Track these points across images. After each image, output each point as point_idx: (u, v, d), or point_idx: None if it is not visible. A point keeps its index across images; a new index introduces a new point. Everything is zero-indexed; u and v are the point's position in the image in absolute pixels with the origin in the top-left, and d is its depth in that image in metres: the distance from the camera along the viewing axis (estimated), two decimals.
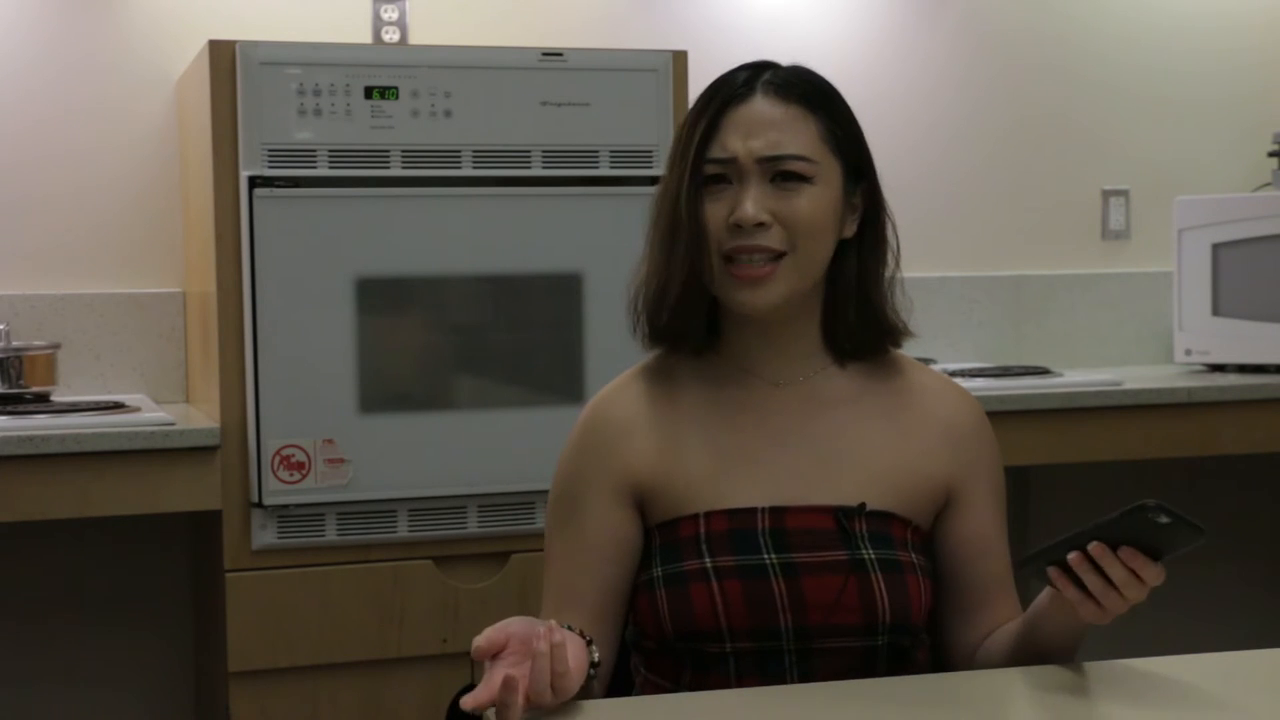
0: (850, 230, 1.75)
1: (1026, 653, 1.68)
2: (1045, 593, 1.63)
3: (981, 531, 1.77)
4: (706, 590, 1.66)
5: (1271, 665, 1.73)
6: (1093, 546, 1.47)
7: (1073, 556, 1.49)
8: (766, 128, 1.69)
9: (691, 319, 1.73)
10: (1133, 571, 1.49)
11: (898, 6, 3.80)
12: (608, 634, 1.72)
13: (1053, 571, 1.51)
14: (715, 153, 1.69)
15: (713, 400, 1.76)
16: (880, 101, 3.74)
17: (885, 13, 3.78)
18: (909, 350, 1.86)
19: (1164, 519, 1.43)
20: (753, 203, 1.67)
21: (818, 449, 1.74)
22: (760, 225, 1.67)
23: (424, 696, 2.88)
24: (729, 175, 1.69)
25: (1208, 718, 1.53)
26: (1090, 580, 1.50)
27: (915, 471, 1.75)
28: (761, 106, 1.70)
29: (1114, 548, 1.48)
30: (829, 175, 1.71)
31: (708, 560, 1.67)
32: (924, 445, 1.76)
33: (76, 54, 3.25)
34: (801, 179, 1.69)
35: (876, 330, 1.78)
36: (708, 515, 1.70)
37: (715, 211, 1.69)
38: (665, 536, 1.71)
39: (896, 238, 1.78)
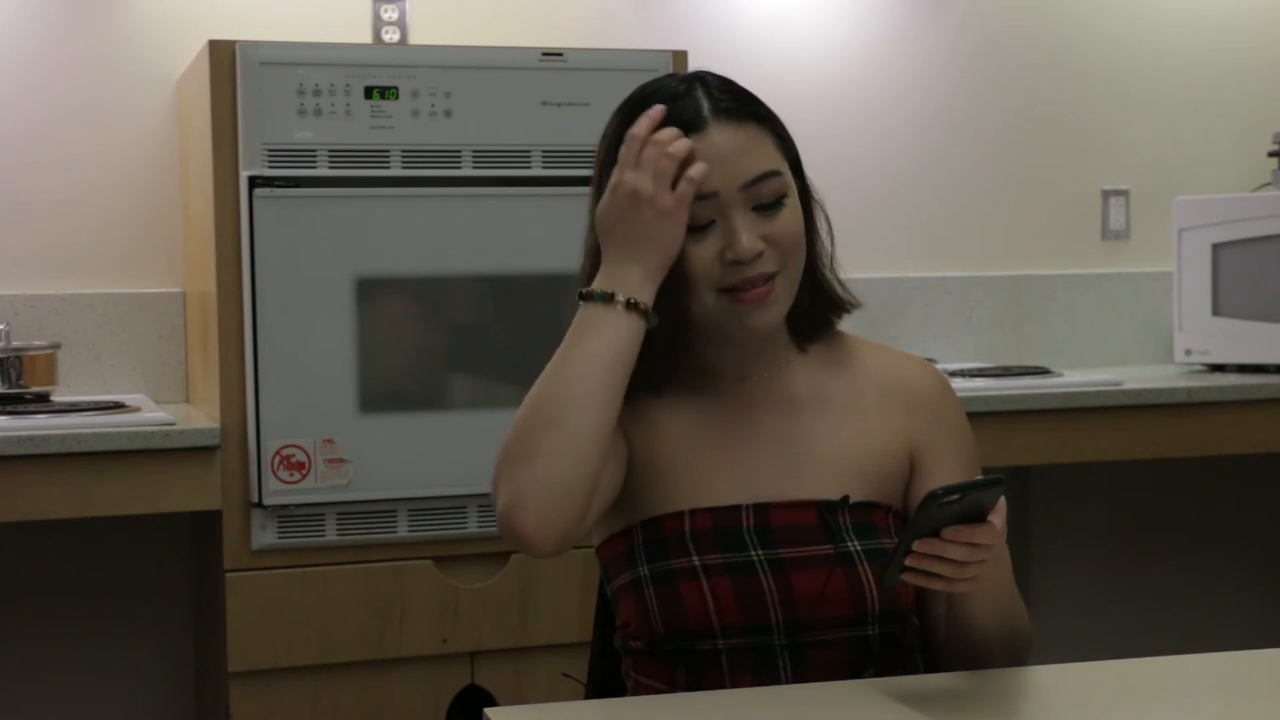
0: None
1: (961, 624, 1.68)
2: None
3: None
4: (696, 588, 1.66)
5: (1271, 665, 1.73)
6: (918, 545, 1.50)
7: (909, 560, 1.52)
8: (737, 156, 1.65)
9: (676, 358, 1.72)
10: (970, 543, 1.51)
11: (897, 6, 3.79)
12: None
13: (908, 576, 1.54)
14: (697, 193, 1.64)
15: (681, 398, 1.75)
16: (880, 101, 3.74)
17: (885, 13, 3.78)
18: (906, 343, 1.86)
19: (954, 497, 1.46)
20: (747, 235, 1.64)
21: (788, 447, 1.74)
22: (758, 256, 1.65)
23: (424, 696, 2.88)
24: (710, 214, 1.65)
25: (1208, 718, 1.54)
26: (941, 569, 1.52)
27: (884, 453, 1.76)
28: (722, 136, 1.66)
29: (938, 535, 1.51)
30: (790, 183, 1.70)
31: (695, 558, 1.67)
32: (887, 423, 1.77)
33: (76, 54, 3.25)
34: (779, 199, 1.67)
35: (828, 308, 1.78)
36: (692, 513, 1.70)
37: (703, 252, 1.65)
38: (649, 534, 1.71)
39: (827, 216, 1.77)
